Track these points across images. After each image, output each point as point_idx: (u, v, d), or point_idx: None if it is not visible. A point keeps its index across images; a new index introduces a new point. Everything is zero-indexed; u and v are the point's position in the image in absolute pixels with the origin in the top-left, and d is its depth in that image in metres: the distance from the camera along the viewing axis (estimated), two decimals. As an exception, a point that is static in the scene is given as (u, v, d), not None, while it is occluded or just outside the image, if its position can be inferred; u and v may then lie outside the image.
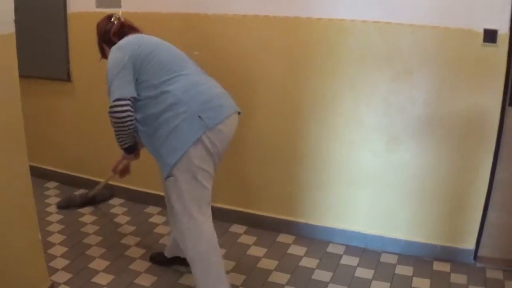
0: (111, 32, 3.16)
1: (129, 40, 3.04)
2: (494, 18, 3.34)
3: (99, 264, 3.69)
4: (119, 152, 4.39)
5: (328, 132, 3.92)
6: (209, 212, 3.06)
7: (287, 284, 3.52)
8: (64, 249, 3.85)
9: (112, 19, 3.19)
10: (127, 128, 2.93)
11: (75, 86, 4.67)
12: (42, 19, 4.55)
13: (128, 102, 2.86)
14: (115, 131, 2.98)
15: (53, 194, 4.82)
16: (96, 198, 4.60)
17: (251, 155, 4.18)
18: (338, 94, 3.81)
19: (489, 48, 3.38)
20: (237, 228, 4.29)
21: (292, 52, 3.86)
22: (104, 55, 3.24)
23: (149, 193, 4.64)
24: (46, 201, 4.66)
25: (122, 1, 4.20)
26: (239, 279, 3.56)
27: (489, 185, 3.67)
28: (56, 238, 4.01)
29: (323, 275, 3.63)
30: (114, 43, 3.07)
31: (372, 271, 3.70)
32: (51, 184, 5.03)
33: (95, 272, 3.59)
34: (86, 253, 3.82)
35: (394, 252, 3.94)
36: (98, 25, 3.24)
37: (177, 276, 3.57)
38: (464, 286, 3.56)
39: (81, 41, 4.47)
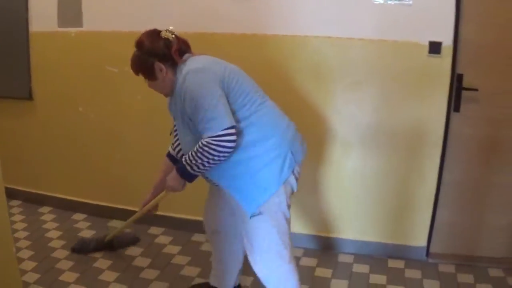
0: (172, 49, 2.75)
1: (209, 61, 2.78)
2: (438, 31, 3.58)
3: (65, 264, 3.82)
4: (85, 170, 4.52)
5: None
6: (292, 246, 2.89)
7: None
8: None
9: (162, 35, 2.77)
10: (223, 159, 2.63)
11: (37, 105, 4.71)
12: (4, 38, 4.56)
13: (235, 131, 2.59)
14: (207, 161, 2.61)
15: (16, 212, 4.82)
16: (114, 243, 4.12)
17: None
18: (292, 106, 3.95)
19: (434, 59, 3.62)
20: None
21: (248, 68, 3.95)
22: (153, 76, 2.79)
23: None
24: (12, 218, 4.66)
25: (84, 21, 4.27)
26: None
27: (437, 185, 3.91)
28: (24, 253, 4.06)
29: None
30: (174, 62, 2.77)
31: (331, 271, 3.88)
32: (14, 203, 5.01)
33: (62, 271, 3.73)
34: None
35: (351, 252, 4.13)
36: (148, 40, 2.77)
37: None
38: (418, 280, 3.78)
39: (43, 60, 4.53)
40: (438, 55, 3.61)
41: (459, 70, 3.68)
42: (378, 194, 4.03)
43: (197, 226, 4.10)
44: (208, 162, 2.60)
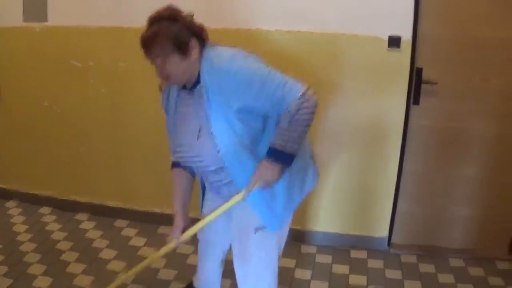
0: (204, 32, 2.41)
1: (243, 52, 2.44)
2: (398, 26, 3.66)
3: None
4: (50, 163, 4.56)
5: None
6: None
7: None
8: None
9: (183, 14, 2.37)
10: (311, 125, 2.35)
11: (2, 99, 4.70)
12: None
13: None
14: (303, 124, 2.30)
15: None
16: None
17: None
18: None
19: (394, 53, 3.70)
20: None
21: None
22: (187, 54, 2.31)
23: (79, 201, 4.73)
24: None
25: (49, 15, 4.26)
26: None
27: (398, 177, 4.00)
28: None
29: None
30: (202, 46, 2.39)
31: (294, 261, 3.96)
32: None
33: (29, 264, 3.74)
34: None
35: (314, 244, 4.21)
36: (185, 17, 2.37)
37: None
38: (381, 270, 3.88)
39: (8, 55, 4.52)
40: (398, 49, 3.69)
41: (418, 64, 3.76)
42: (341, 186, 4.10)
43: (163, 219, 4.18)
44: (305, 128, 2.30)
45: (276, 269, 2.68)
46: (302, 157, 2.52)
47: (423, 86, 3.77)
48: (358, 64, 3.81)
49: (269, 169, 2.32)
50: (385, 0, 3.64)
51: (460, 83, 3.78)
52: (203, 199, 2.86)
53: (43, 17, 4.27)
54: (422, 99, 3.81)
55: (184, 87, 2.46)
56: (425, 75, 3.75)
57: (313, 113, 2.28)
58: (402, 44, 3.68)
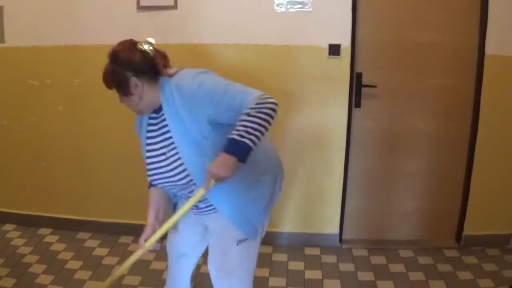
0: (159, 65, 2.42)
1: (207, 71, 2.50)
2: (337, 34, 3.89)
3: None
4: (12, 180, 4.61)
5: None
6: None
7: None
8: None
9: (139, 47, 2.39)
10: (272, 122, 2.30)
11: None
12: None
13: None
14: (262, 121, 2.25)
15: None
16: None
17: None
18: None
19: (334, 60, 3.92)
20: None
21: None
22: (128, 91, 2.36)
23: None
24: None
25: (6, 37, 4.34)
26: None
27: (344, 176, 4.20)
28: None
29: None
30: (153, 77, 2.40)
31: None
32: None
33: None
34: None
35: (268, 244, 4.33)
36: (124, 55, 2.37)
37: None
38: (334, 264, 4.06)
39: None
40: (338, 56, 3.90)
41: (358, 69, 3.99)
42: (291, 187, 4.25)
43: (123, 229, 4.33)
44: (263, 122, 2.24)
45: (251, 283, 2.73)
46: (270, 166, 2.62)
47: (363, 89, 4.00)
48: (301, 73, 4.00)
49: (223, 163, 2.21)
50: (324, 11, 3.85)
51: (398, 85, 4.02)
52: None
53: (1, 39, 4.35)
54: (363, 102, 4.04)
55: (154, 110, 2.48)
56: (364, 79, 3.99)
57: (271, 109, 2.28)
58: (342, 51, 3.89)
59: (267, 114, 2.25)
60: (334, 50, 3.90)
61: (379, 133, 4.13)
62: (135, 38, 3.89)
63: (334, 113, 4.03)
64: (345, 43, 3.89)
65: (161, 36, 4.03)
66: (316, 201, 4.28)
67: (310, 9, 3.86)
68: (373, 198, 4.30)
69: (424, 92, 4.02)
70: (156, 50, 2.43)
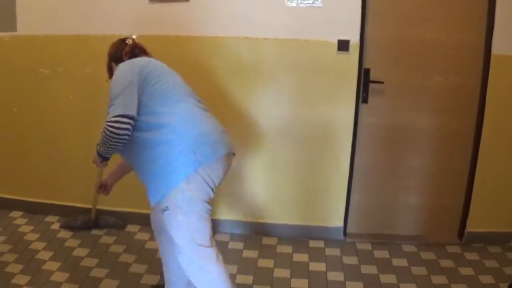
0: (123, 51, 3.06)
1: (139, 59, 2.95)
2: (346, 30, 3.92)
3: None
4: (20, 168, 4.67)
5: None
6: (213, 242, 2.84)
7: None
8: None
9: (126, 41, 3.12)
10: (120, 145, 2.71)
11: None
12: None
13: (130, 121, 2.67)
14: (105, 143, 2.72)
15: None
16: (99, 223, 4.54)
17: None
18: (214, 100, 4.04)
19: (343, 55, 3.96)
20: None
21: (173, 68, 4.09)
22: (111, 74, 3.00)
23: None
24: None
25: (18, 25, 4.39)
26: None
27: (350, 171, 4.24)
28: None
29: None
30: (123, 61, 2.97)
31: (257, 252, 4.17)
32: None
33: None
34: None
35: (274, 236, 4.43)
36: (111, 46, 3.15)
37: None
38: (338, 257, 4.11)
39: None
40: (347, 52, 3.95)
41: (366, 65, 4.03)
42: (297, 180, 4.32)
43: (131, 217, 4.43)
44: (107, 145, 2.72)
45: (200, 250, 2.78)
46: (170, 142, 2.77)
47: (370, 85, 4.04)
48: (310, 67, 4.04)
49: (94, 154, 3.01)
50: (334, 7, 3.90)
51: (405, 81, 4.06)
52: None
53: (13, 27, 4.40)
54: (370, 98, 4.08)
55: None
56: (372, 75, 4.03)
57: (114, 138, 2.68)
58: (351, 47, 3.93)
59: (106, 138, 2.70)
60: (343, 45, 3.94)
61: (385, 129, 4.17)
62: (147, 29, 4.09)
63: (342, 108, 4.07)
64: (354, 39, 3.93)
65: (172, 28, 4.13)
66: (321, 195, 4.32)
67: (320, 5, 3.90)
68: (378, 193, 4.34)
69: (430, 89, 4.06)
70: (133, 43, 3.13)
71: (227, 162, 2.91)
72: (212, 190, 2.81)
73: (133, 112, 2.68)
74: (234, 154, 3.00)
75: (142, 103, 2.75)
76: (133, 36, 3.18)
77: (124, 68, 2.83)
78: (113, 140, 2.67)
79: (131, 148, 2.79)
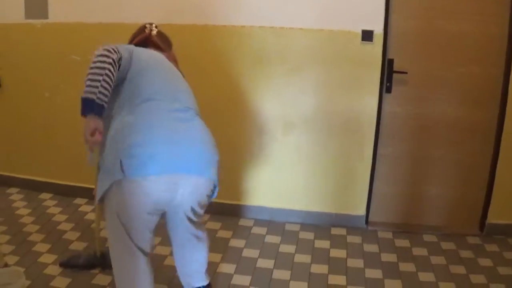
0: (133, 41, 3.00)
1: (138, 48, 2.79)
2: (370, 20, 3.96)
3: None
4: (50, 151, 4.80)
5: (233, 120, 4.40)
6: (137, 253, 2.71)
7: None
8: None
9: (146, 29, 3.05)
10: (103, 77, 2.41)
11: (5, 92, 4.89)
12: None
13: (117, 54, 2.49)
14: (87, 72, 2.45)
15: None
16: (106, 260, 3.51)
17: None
18: (240, 88, 4.29)
19: (367, 45, 4.00)
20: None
21: (200, 56, 4.26)
22: None
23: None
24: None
25: (50, 13, 4.50)
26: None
27: (373, 159, 4.29)
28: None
29: (238, 243, 4.12)
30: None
31: (279, 237, 4.24)
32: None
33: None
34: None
35: (297, 222, 4.49)
36: (135, 31, 3.11)
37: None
38: (359, 245, 4.16)
39: (11, 49, 4.73)
40: (370, 42, 3.99)
41: (390, 55, 4.07)
42: (321, 168, 4.38)
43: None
44: (89, 73, 2.43)
45: (116, 246, 2.76)
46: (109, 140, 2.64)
47: (394, 75, 4.08)
48: (334, 57, 4.09)
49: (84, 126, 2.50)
50: (358, -3, 3.95)
51: (428, 72, 4.09)
52: None
53: (44, 15, 4.51)
54: (393, 88, 4.12)
55: None
56: (396, 65, 4.06)
57: (95, 60, 2.43)
58: (375, 37, 3.98)
59: (95, 62, 2.43)
60: (367, 35, 3.98)
61: (408, 119, 4.20)
62: (176, 18, 4.19)
63: (366, 97, 4.12)
64: (378, 29, 3.96)
65: (199, 17, 4.20)
66: (344, 183, 4.37)
67: (345, -5, 3.94)
68: (400, 183, 4.38)
69: (453, 80, 4.09)
70: (150, 34, 3.05)
71: (172, 182, 2.64)
72: (144, 212, 2.64)
73: (120, 52, 2.53)
74: (213, 184, 2.82)
75: (117, 94, 2.63)
76: (154, 25, 3.07)
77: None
78: (95, 68, 2.41)
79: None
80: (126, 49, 2.63)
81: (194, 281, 3.12)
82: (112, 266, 2.79)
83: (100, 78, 2.39)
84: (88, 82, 2.40)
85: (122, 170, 2.49)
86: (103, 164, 2.65)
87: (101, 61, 2.41)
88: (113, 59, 2.43)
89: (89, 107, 2.43)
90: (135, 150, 2.53)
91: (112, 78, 2.44)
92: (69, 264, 3.69)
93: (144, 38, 2.98)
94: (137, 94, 2.63)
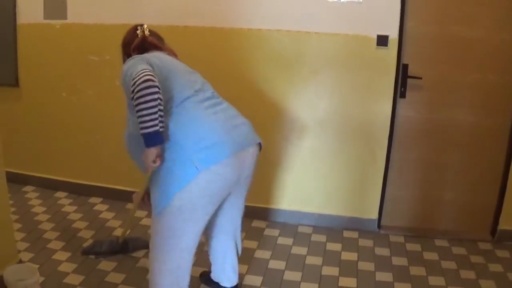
0: (131, 46, 2.94)
1: (147, 55, 2.78)
2: (385, 25, 3.98)
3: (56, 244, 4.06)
4: (67, 150, 4.82)
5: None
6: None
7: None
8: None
9: (137, 31, 2.96)
10: (155, 104, 2.42)
11: (23, 91, 4.96)
12: (-7, 30, 4.81)
13: (153, 74, 2.48)
14: (139, 108, 2.41)
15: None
16: (129, 246, 3.84)
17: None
18: (256, 92, 4.31)
19: (382, 50, 4.02)
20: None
21: (216, 59, 4.30)
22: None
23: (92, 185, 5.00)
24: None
25: (68, 13, 4.56)
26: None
27: (386, 164, 4.30)
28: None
29: (251, 244, 4.16)
30: (129, 55, 2.90)
31: (292, 239, 4.28)
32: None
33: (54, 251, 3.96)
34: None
35: (309, 225, 4.52)
36: (125, 35, 3.04)
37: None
38: (371, 248, 4.19)
39: (29, 49, 4.80)
40: (385, 47, 4.01)
41: (404, 61, 4.09)
42: (334, 172, 4.40)
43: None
44: (141, 107, 2.41)
45: (169, 258, 2.80)
46: (170, 148, 2.65)
47: (409, 80, 4.09)
48: (349, 61, 4.11)
49: (143, 154, 2.58)
50: (374, 2, 3.96)
51: (443, 77, 4.10)
52: None
53: (63, 15, 4.58)
54: (408, 93, 4.13)
55: None
56: (410, 70, 4.08)
57: (141, 92, 2.40)
58: (390, 42, 3.99)
59: (139, 96, 2.41)
60: (382, 40, 4.00)
61: (421, 124, 4.21)
62: (193, 21, 4.24)
63: (380, 102, 4.13)
64: (393, 34, 3.98)
65: (215, 20, 4.23)
66: (357, 187, 4.39)
67: (361, 0, 3.97)
68: (413, 187, 4.39)
69: (467, 86, 4.09)
70: (145, 36, 2.99)
71: (240, 159, 2.77)
72: (216, 196, 2.75)
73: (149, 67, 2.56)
74: (260, 145, 2.96)
75: None
76: (145, 26, 2.99)
77: (134, 61, 2.66)
78: (144, 93, 2.40)
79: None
80: (148, 64, 2.64)
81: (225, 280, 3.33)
82: (159, 264, 2.81)
83: (156, 110, 2.43)
84: (147, 118, 2.43)
85: (196, 167, 2.57)
86: (167, 174, 2.66)
87: (151, 93, 2.42)
88: (157, 86, 2.46)
89: (155, 139, 2.51)
90: (199, 145, 2.62)
91: (162, 103, 2.50)
92: (92, 251, 3.80)
93: (141, 41, 2.96)
94: (171, 102, 2.66)
